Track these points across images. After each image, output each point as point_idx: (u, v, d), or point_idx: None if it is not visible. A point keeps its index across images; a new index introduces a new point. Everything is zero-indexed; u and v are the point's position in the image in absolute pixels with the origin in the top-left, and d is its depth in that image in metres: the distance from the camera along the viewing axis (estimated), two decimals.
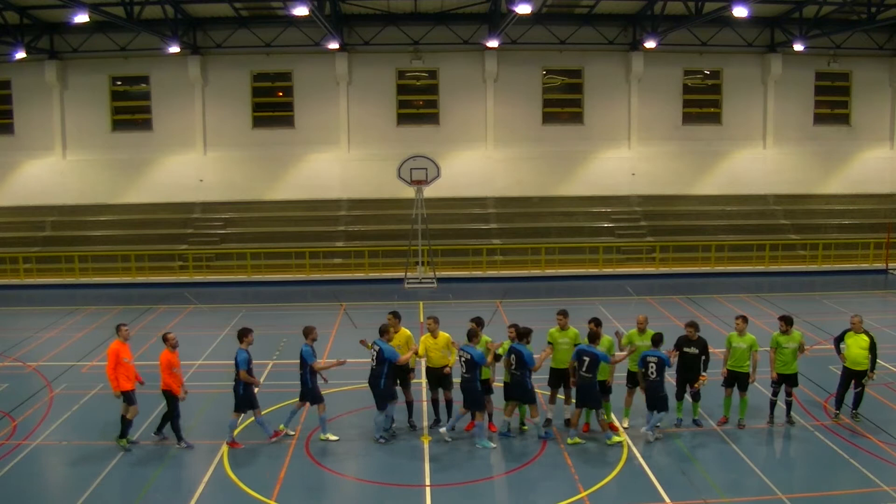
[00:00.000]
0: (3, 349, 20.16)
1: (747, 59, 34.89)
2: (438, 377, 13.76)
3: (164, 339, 13.46)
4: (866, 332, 13.90)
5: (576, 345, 13.66)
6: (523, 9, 23.72)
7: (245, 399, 13.28)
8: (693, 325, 13.83)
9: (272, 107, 34.98)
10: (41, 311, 26.16)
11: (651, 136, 35.06)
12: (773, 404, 14.01)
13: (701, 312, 23.09)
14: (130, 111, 34.77)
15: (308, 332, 13.65)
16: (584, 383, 13.12)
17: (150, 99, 34.34)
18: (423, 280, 29.69)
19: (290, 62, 34.08)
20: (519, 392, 13.22)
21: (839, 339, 14.27)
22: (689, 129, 35.35)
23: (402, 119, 34.79)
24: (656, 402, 13.17)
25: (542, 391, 14.85)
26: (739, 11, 24.67)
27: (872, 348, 13.74)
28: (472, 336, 13.26)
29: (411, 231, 30.08)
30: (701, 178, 35.43)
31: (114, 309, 25.53)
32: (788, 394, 13.95)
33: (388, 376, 13.25)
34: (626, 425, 13.86)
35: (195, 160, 34.30)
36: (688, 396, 13.93)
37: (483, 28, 32.77)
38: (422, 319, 22.88)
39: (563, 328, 13.91)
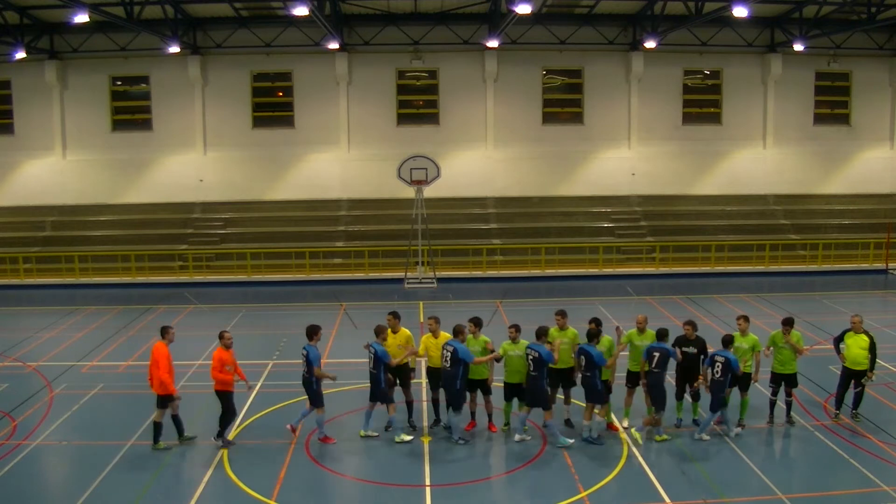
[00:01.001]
0: (4, 349, 20.16)
1: (747, 59, 34.89)
2: (438, 377, 13.76)
3: (221, 336, 13.39)
4: (866, 332, 13.90)
5: (577, 344, 13.69)
6: (523, 9, 23.72)
7: (319, 394, 13.27)
8: (691, 325, 13.82)
9: (272, 107, 34.98)
10: (41, 311, 26.17)
11: (651, 136, 35.06)
12: (772, 404, 14.01)
13: (701, 312, 23.10)
14: (130, 111, 34.77)
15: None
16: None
17: (150, 99, 34.34)
18: (423, 280, 29.70)
19: (290, 62, 34.08)
20: (590, 393, 13.20)
21: (839, 340, 14.27)
22: (689, 129, 35.35)
23: (402, 119, 34.79)
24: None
25: None
26: (739, 11, 24.67)
27: (872, 348, 13.74)
28: (542, 335, 13.24)
29: (411, 231, 30.08)
30: (701, 178, 35.43)
31: (114, 309, 25.54)
32: (788, 394, 13.95)
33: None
34: (625, 425, 13.85)
35: (195, 160, 34.30)
36: (687, 396, 13.93)
37: (483, 28, 32.78)
38: (422, 319, 22.89)
39: (562, 328, 13.91)
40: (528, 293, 28.27)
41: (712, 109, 35.61)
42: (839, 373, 14.27)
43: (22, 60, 30.92)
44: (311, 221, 33.82)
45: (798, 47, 31.12)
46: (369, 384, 13.58)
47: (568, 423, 14.02)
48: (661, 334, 13.40)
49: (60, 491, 12.03)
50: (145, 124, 34.53)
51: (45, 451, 13.32)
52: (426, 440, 13.47)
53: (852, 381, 13.92)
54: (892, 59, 35.39)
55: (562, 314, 14.03)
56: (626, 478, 11.98)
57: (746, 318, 14.13)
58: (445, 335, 13.72)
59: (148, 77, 34.22)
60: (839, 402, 14.12)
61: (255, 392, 16.24)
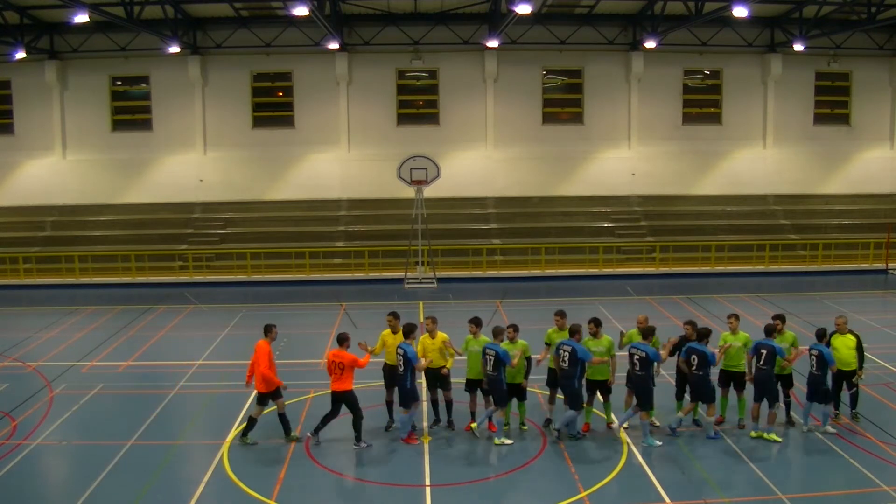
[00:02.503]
0: (3, 349, 20.16)
1: (747, 59, 34.88)
2: (437, 377, 13.76)
3: (344, 338, 13.32)
4: (851, 332, 13.88)
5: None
6: (523, 9, 23.69)
7: (412, 393, 13.26)
8: (691, 324, 13.79)
9: (272, 107, 34.98)
10: (41, 311, 26.16)
11: (651, 136, 35.05)
12: (788, 404, 13.99)
13: (701, 312, 23.08)
14: (130, 111, 34.77)
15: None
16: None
17: (151, 99, 34.34)
18: (423, 280, 29.70)
19: (290, 62, 34.08)
20: (701, 391, 13.23)
21: (826, 344, 14.16)
22: (689, 129, 35.34)
23: (402, 119, 34.79)
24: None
25: (541, 391, 14.88)
26: (739, 11, 24.66)
27: (859, 347, 13.73)
28: (649, 333, 13.34)
29: (411, 231, 30.08)
30: (701, 178, 35.42)
31: (114, 309, 25.54)
32: (786, 394, 13.94)
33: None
34: (626, 425, 13.83)
35: (195, 160, 34.30)
36: (687, 396, 13.92)
37: (483, 28, 32.78)
38: (422, 319, 22.87)
39: (561, 328, 13.90)
40: (528, 293, 28.27)
41: (712, 109, 35.60)
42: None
43: (22, 60, 30.92)
44: (311, 221, 33.82)
45: (798, 47, 31.10)
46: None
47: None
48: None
49: (60, 491, 12.03)
50: (145, 124, 34.52)
51: (45, 452, 13.31)
52: (426, 440, 13.46)
53: (844, 382, 13.89)
54: (892, 59, 35.38)
55: (561, 314, 14.03)
56: (626, 478, 11.98)
57: (737, 317, 14.12)
58: (442, 335, 13.72)
59: (148, 77, 34.21)
60: (836, 404, 14.10)
61: (254, 392, 16.20)
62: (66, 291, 29.37)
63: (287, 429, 13.45)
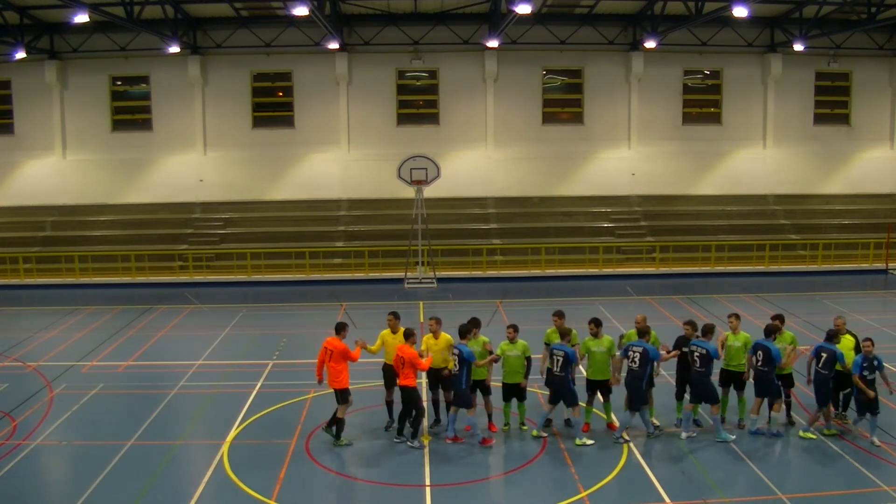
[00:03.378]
0: (3, 349, 20.16)
1: (747, 59, 34.88)
2: (439, 378, 13.76)
3: (410, 334, 13.27)
4: (850, 332, 13.86)
5: (573, 344, 13.72)
6: (523, 9, 23.69)
7: (466, 395, 13.21)
8: (691, 324, 13.77)
9: (272, 107, 34.98)
10: (41, 311, 26.18)
11: (651, 136, 35.05)
12: (789, 404, 13.98)
13: (701, 312, 23.08)
14: (130, 111, 34.77)
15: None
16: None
17: (150, 99, 34.33)
18: (423, 280, 29.70)
19: (290, 62, 34.08)
20: (765, 387, 13.24)
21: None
22: (689, 129, 35.34)
23: (402, 119, 34.78)
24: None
25: (541, 391, 14.88)
26: (739, 11, 24.65)
27: (857, 348, 13.71)
28: (644, 333, 13.37)
29: (411, 231, 30.08)
30: (701, 178, 35.42)
31: (114, 309, 25.54)
32: (787, 394, 13.93)
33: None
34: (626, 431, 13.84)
35: (195, 160, 34.29)
36: (686, 395, 13.91)
37: (483, 28, 32.78)
38: (422, 319, 22.90)
39: (560, 329, 13.87)
40: (528, 293, 28.26)
41: (712, 109, 35.60)
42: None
43: (22, 60, 30.91)
44: (311, 221, 33.82)
45: (798, 47, 31.10)
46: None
47: (567, 423, 14.02)
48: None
49: (60, 491, 12.02)
50: (145, 124, 34.52)
51: (45, 452, 13.31)
52: (426, 440, 13.46)
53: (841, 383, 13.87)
54: (892, 59, 35.38)
55: (559, 315, 14.02)
56: (625, 478, 11.97)
57: (738, 317, 14.11)
58: (446, 336, 13.70)
59: (148, 77, 34.21)
60: (836, 404, 14.08)
61: (254, 392, 16.25)
62: (66, 291, 29.37)
63: (339, 432, 13.32)
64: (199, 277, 30.71)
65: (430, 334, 13.80)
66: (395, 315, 14.03)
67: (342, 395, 13.18)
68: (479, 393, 13.77)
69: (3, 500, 11.43)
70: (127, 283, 30.45)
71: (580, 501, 11.22)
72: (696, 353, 13.19)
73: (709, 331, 13.41)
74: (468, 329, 13.46)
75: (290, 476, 12.10)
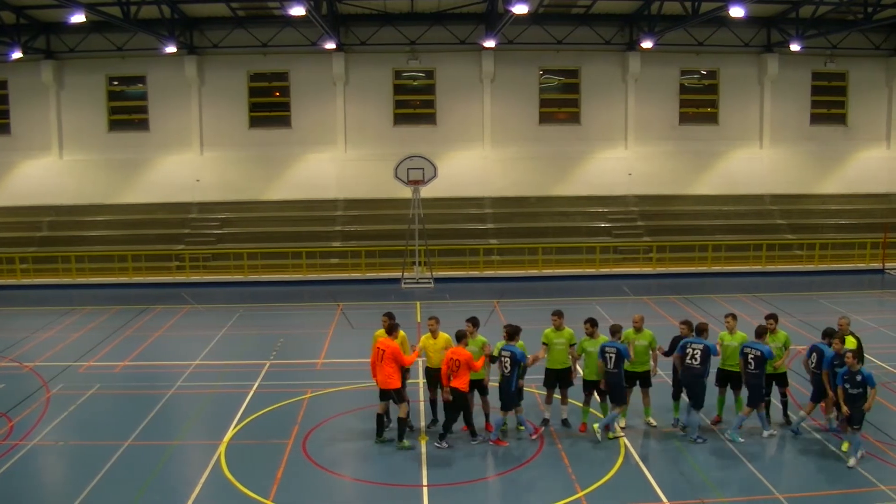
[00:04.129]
0: (0, 349, 20.13)
1: (744, 59, 34.92)
2: (437, 377, 13.75)
3: (463, 336, 13.23)
4: (852, 334, 13.86)
5: (571, 344, 13.75)
6: (520, 9, 23.70)
7: (517, 395, 13.21)
8: (687, 324, 13.79)
9: (269, 107, 34.93)
10: (38, 311, 26.12)
11: (648, 136, 35.08)
12: (767, 404, 13.98)
13: (698, 312, 23.12)
14: (127, 111, 34.71)
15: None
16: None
17: (147, 99, 34.27)
18: (419, 280, 29.69)
19: (287, 62, 34.05)
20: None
21: (828, 344, 14.12)
22: (685, 129, 35.36)
23: (399, 119, 34.77)
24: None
25: (538, 391, 14.88)
26: (736, 11, 24.68)
27: (859, 349, 13.72)
28: (701, 331, 13.41)
29: (408, 231, 30.06)
30: (698, 178, 35.45)
31: (111, 309, 25.50)
32: (783, 394, 13.95)
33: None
34: (622, 425, 13.85)
35: (192, 160, 34.25)
36: (684, 396, 13.92)
37: (480, 28, 32.78)
38: (419, 319, 22.91)
39: (559, 328, 13.91)
40: (525, 293, 28.27)
41: (709, 109, 35.63)
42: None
43: (18, 60, 30.83)
44: (307, 221, 33.79)
45: (795, 47, 31.14)
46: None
47: (565, 422, 14.03)
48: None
49: (58, 491, 12.01)
50: (142, 124, 34.46)
51: (42, 452, 13.29)
52: (423, 440, 13.46)
53: None
54: (889, 59, 35.45)
55: (558, 314, 14.03)
56: (623, 478, 11.98)
57: (734, 317, 14.12)
58: (444, 336, 13.71)
59: (145, 77, 34.15)
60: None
61: (251, 392, 16.24)
62: (63, 291, 29.32)
63: (381, 431, 13.31)
64: (195, 277, 30.68)
65: (429, 334, 13.81)
66: (391, 315, 14.00)
67: (399, 396, 13.09)
68: (475, 393, 13.78)
69: (0, 501, 11.41)
70: (124, 284, 30.40)
71: (578, 501, 11.23)
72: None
73: (703, 329, 13.43)
74: (517, 330, 13.43)
75: (287, 476, 12.10)
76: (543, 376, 14.14)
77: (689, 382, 13.32)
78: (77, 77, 33.80)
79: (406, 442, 13.15)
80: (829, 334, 13.41)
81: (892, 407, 14.90)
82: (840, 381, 12.37)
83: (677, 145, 35.23)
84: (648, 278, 30.71)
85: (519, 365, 13.06)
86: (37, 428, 14.25)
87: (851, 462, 12.11)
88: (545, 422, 13.91)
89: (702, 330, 13.43)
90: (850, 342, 13.66)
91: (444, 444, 13.10)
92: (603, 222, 34.31)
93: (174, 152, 34.22)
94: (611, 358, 13.20)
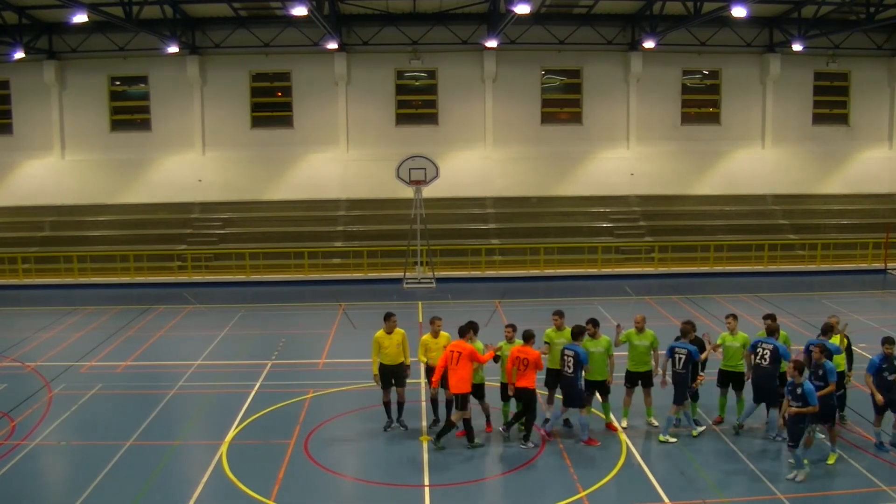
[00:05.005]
0: (2, 349, 20.15)
1: (746, 60, 34.89)
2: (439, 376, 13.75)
3: (531, 336, 13.22)
4: (843, 334, 13.82)
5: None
6: (522, 9, 23.70)
7: (582, 394, 13.21)
8: (689, 324, 13.78)
9: (271, 107, 34.95)
10: (40, 311, 26.15)
11: (650, 137, 35.05)
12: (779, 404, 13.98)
13: (700, 312, 23.10)
14: (129, 111, 34.74)
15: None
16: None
17: (149, 99, 34.30)
18: (421, 280, 29.69)
19: (289, 62, 34.06)
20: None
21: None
22: (687, 129, 35.34)
23: (401, 119, 34.77)
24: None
25: (539, 391, 14.85)
26: (738, 11, 24.65)
27: (849, 349, 13.70)
28: (577, 335, 13.38)
29: (410, 231, 30.06)
30: (700, 178, 35.43)
31: (112, 309, 25.52)
32: (781, 394, 13.91)
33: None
34: (624, 425, 13.85)
35: (194, 160, 34.27)
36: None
37: (482, 28, 32.77)
38: (420, 319, 22.90)
39: (560, 328, 13.91)
40: (527, 293, 28.27)
41: (711, 109, 35.61)
42: None
43: (20, 60, 30.86)
44: (309, 221, 33.80)
45: (797, 47, 31.12)
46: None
47: (567, 423, 14.03)
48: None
49: (59, 491, 12.02)
50: (144, 124, 34.50)
51: (44, 452, 13.31)
52: (424, 440, 13.46)
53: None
54: (891, 59, 35.41)
55: (559, 314, 14.02)
56: (624, 478, 11.98)
57: (735, 317, 14.10)
58: (445, 335, 13.73)
59: (147, 77, 34.18)
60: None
61: (253, 392, 16.25)
62: (65, 292, 29.35)
63: (439, 436, 13.24)
64: (197, 277, 30.69)
65: (430, 333, 13.80)
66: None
67: (465, 401, 13.00)
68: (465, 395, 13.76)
69: (1, 501, 11.42)
70: (126, 284, 30.43)
71: (579, 501, 11.23)
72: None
73: (579, 333, 13.37)
74: (583, 330, 13.41)
75: (288, 476, 12.11)
76: (545, 376, 14.13)
77: (758, 382, 13.26)
78: (79, 77, 33.84)
79: (441, 443, 13.14)
80: (826, 330, 13.42)
81: None
82: (874, 371, 12.59)
83: (679, 145, 35.21)
84: (650, 278, 30.68)
85: (583, 365, 13.05)
86: (38, 428, 14.26)
87: (792, 475, 11.79)
88: (546, 422, 13.90)
89: (773, 330, 13.39)
90: (837, 341, 13.61)
91: (531, 444, 13.08)
92: (605, 222, 34.29)
93: (176, 152, 34.24)
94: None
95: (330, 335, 21.62)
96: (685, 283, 29.10)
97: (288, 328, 22.90)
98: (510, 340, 13.56)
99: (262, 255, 31.36)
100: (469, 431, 13.11)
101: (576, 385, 13.16)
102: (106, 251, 31.71)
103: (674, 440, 13.26)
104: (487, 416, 13.91)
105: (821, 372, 12.24)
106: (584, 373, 13.21)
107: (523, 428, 13.32)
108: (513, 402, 13.77)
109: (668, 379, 13.68)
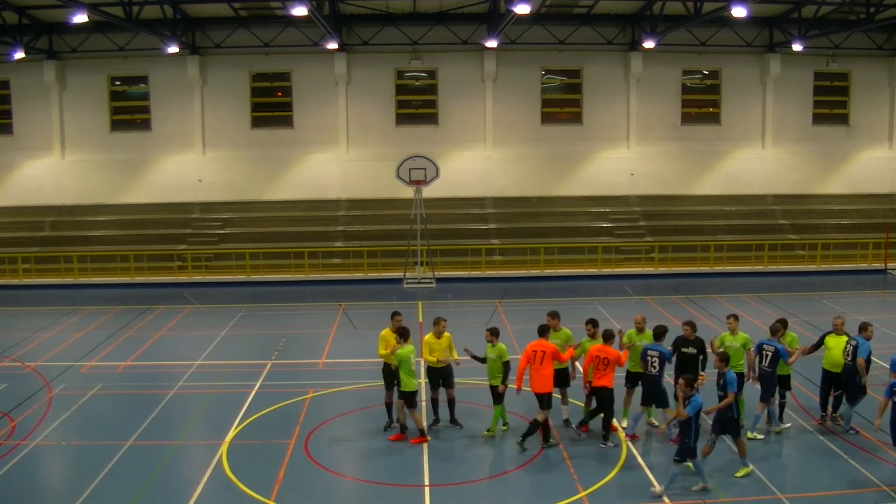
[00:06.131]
0: (2, 349, 20.15)
1: (746, 59, 34.89)
2: (440, 376, 13.75)
3: (611, 336, 13.27)
4: (847, 334, 13.81)
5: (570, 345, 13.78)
6: (522, 9, 23.70)
7: (665, 393, 13.24)
8: (690, 325, 13.77)
9: (271, 107, 34.94)
10: (40, 311, 26.15)
11: (650, 136, 35.05)
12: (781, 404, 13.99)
13: (700, 312, 23.10)
14: (129, 111, 34.74)
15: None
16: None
17: (149, 99, 34.30)
18: (421, 280, 29.69)
19: (289, 62, 34.06)
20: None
21: (818, 344, 14.09)
22: (687, 129, 35.34)
23: (401, 119, 34.77)
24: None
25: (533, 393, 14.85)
26: (738, 11, 24.66)
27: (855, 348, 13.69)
28: (775, 332, 13.39)
29: (410, 231, 30.07)
30: (700, 179, 35.43)
31: (112, 309, 25.52)
32: (782, 395, 13.92)
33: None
34: (624, 425, 13.85)
35: (194, 160, 34.27)
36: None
37: (482, 28, 32.77)
38: (420, 320, 22.90)
39: (556, 329, 13.87)
40: (527, 293, 28.27)
41: (711, 109, 35.61)
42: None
43: (21, 60, 30.88)
44: (309, 221, 33.80)
45: (797, 47, 31.13)
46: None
47: (567, 423, 14.03)
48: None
49: (59, 491, 12.03)
50: (144, 124, 34.50)
51: (44, 452, 13.31)
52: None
53: (832, 385, 13.86)
54: (891, 59, 35.41)
55: (554, 315, 13.99)
56: (624, 478, 11.98)
57: (736, 317, 14.08)
58: (448, 336, 13.76)
59: (147, 77, 34.18)
60: (823, 406, 14.08)
61: (253, 392, 16.25)
62: (65, 291, 29.34)
63: (547, 434, 13.25)
64: (198, 277, 30.69)
65: (433, 333, 13.80)
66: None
67: (549, 400, 13.07)
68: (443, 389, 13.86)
69: (2, 501, 11.43)
70: (126, 284, 30.43)
71: (579, 501, 11.23)
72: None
73: (661, 334, 13.38)
74: (665, 330, 13.45)
75: (289, 476, 12.11)
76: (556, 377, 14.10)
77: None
78: (79, 77, 33.84)
79: (553, 440, 13.23)
80: (775, 331, 13.44)
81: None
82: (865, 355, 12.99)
83: (679, 145, 35.21)
84: (650, 278, 30.68)
85: (666, 362, 13.13)
86: (39, 428, 14.27)
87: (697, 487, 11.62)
88: (566, 422, 13.91)
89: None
90: (840, 342, 13.59)
91: (610, 444, 13.11)
92: (605, 222, 34.29)
93: (176, 152, 34.24)
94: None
95: (330, 335, 21.61)
96: (685, 283, 29.10)
97: (288, 328, 22.90)
98: (592, 337, 13.67)
99: (262, 255, 31.36)
100: (546, 430, 13.18)
101: (659, 384, 13.21)
102: (106, 251, 31.72)
103: (761, 437, 13.27)
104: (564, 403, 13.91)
105: (721, 382, 12.03)
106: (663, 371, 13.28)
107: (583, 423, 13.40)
108: (511, 404, 13.76)
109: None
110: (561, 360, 13.26)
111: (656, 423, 13.83)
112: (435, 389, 14.05)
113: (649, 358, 13.17)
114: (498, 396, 13.59)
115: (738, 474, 11.90)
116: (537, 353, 12.97)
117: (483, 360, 13.61)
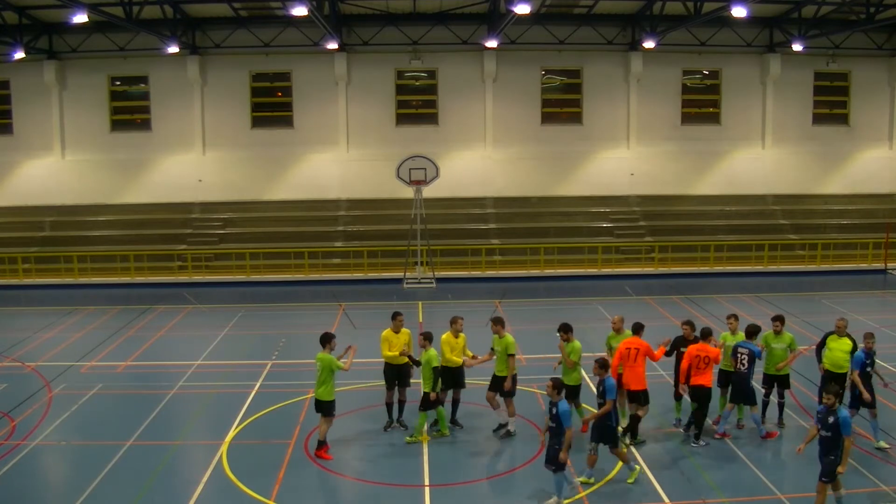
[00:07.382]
0: (2, 349, 20.15)
1: (746, 59, 34.89)
2: (455, 378, 13.73)
3: (709, 334, 13.30)
4: (849, 336, 13.78)
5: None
6: (522, 9, 23.71)
7: (753, 391, 13.30)
8: (689, 324, 13.79)
9: (271, 107, 34.95)
10: (40, 311, 26.15)
11: (650, 137, 35.05)
12: (765, 405, 13.98)
13: (700, 312, 23.07)
14: (129, 111, 34.74)
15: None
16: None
17: (149, 99, 34.30)
18: (422, 280, 29.69)
19: (289, 62, 34.07)
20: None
21: (822, 345, 14.09)
22: (687, 129, 35.34)
23: (401, 119, 34.77)
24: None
25: (540, 391, 14.87)
26: (738, 11, 24.66)
27: (854, 352, 13.68)
28: (751, 334, 13.49)
29: (410, 231, 30.07)
30: (700, 179, 35.43)
31: (113, 309, 25.53)
32: (781, 395, 13.91)
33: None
34: (624, 425, 13.82)
35: (194, 160, 34.28)
36: (686, 396, 13.90)
37: (482, 28, 32.77)
38: (420, 319, 22.90)
39: (500, 336, 13.60)
40: (527, 293, 28.27)
41: (711, 109, 35.61)
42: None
43: (21, 60, 30.88)
44: (310, 221, 33.80)
45: (797, 47, 31.13)
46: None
47: (498, 429, 13.95)
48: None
49: (59, 491, 12.03)
50: (144, 124, 34.50)
51: (45, 452, 13.31)
52: (425, 440, 13.45)
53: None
54: (891, 59, 35.41)
55: (497, 321, 13.75)
56: (625, 478, 11.96)
57: (736, 317, 14.13)
58: (463, 336, 13.75)
59: (147, 77, 34.18)
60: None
61: (253, 392, 16.25)
62: (65, 291, 29.34)
63: (635, 431, 13.27)
64: (198, 277, 30.69)
65: (451, 333, 13.74)
66: (397, 315, 13.99)
67: (646, 396, 13.17)
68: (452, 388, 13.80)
69: (2, 501, 11.43)
70: (126, 284, 30.43)
71: (579, 501, 11.23)
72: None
73: (754, 332, 13.51)
74: (758, 329, 13.56)
75: (289, 476, 12.11)
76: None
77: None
78: (79, 77, 33.84)
79: (640, 437, 13.27)
80: (753, 332, 13.55)
81: (894, 406, 14.86)
82: (860, 367, 12.78)
83: (679, 145, 35.21)
84: (650, 278, 30.68)
85: (755, 360, 13.20)
86: (39, 428, 14.27)
87: (884, 444, 12.22)
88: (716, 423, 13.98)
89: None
90: (846, 344, 13.57)
91: (702, 443, 13.12)
92: (605, 222, 34.29)
93: (176, 152, 34.24)
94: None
95: None
96: (685, 283, 29.10)
97: (288, 328, 22.90)
98: (734, 332, 13.79)
99: (262, 255, 31.36)
100: (635, 427, 13.26)
101: (748, 382, 13.24)
102: (106, 251, 31.71)
103: (887, 446, 13.08)
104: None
105: (601, 388, 11.90)
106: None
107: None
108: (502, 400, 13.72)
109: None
110: (654, 358, 13.36)
111: (743, 425, 13.87)
112: (445, 391, 13.84)
113: (739, 355, 13.27)
114: (507, 392, 13.48)
115: (630, 480, 11.80)
116: (631, 351, 13.12)
117: (418, 364, 13.51)
